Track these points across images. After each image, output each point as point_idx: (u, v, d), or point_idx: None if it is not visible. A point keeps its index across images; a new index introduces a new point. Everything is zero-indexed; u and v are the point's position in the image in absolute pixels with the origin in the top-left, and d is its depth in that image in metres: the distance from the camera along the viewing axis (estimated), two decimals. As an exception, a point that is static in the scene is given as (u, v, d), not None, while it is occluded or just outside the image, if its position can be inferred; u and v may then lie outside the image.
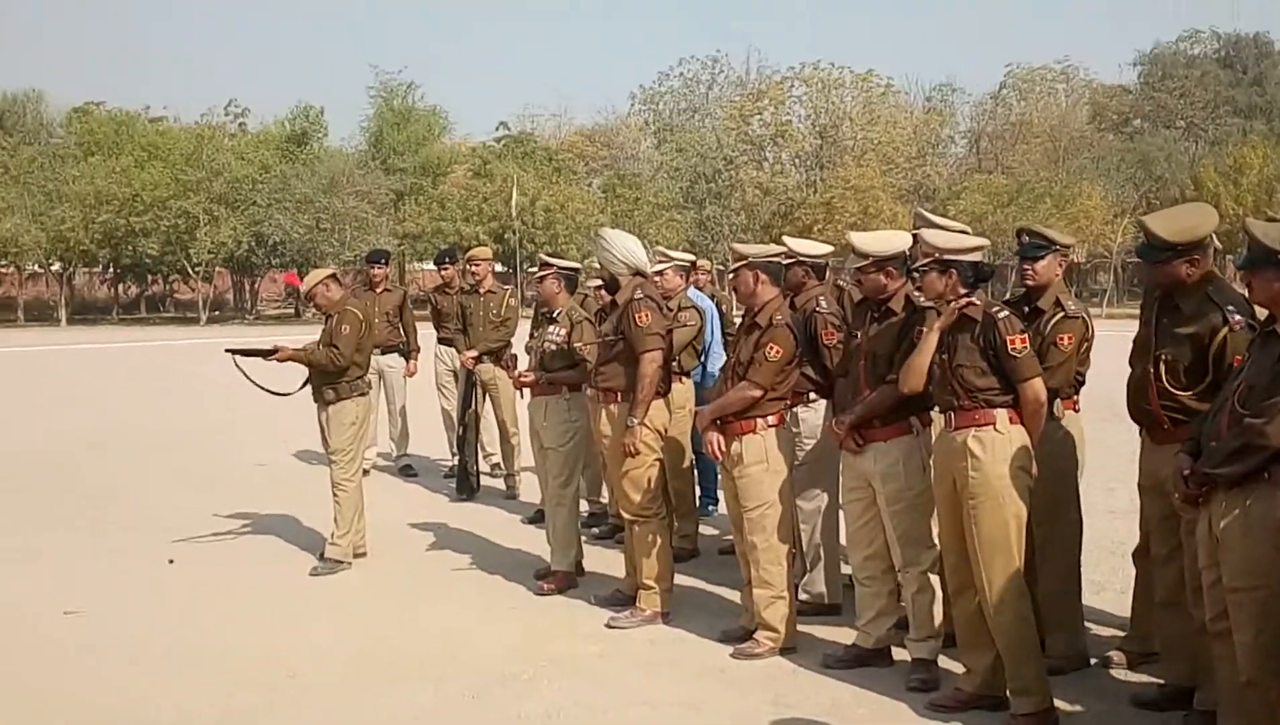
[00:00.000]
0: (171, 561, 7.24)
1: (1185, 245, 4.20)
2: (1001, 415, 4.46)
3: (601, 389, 6.05)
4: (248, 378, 7.27)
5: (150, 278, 50.40)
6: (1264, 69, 50.69)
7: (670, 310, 6.55)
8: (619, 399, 5.92)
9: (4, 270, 49.43)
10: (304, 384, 7.23)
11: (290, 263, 43.61)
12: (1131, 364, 4.48)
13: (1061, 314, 4.93)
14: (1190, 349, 4.19)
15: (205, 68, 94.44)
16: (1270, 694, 3.34)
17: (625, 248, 5.99)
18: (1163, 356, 4.27)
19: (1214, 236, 4.41)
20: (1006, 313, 4.54)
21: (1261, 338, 3.61)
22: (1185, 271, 4.22)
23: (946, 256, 4.59)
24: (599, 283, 7.23)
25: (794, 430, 5.77)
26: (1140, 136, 48.03)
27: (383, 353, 9.72)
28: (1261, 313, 3.83)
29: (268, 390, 7.33)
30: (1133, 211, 38.16)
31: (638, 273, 5.98)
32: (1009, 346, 4.42)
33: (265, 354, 7.13)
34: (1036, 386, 4.47)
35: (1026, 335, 4.51)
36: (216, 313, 46.60)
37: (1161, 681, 4.73)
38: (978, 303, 4.50)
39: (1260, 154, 41.29)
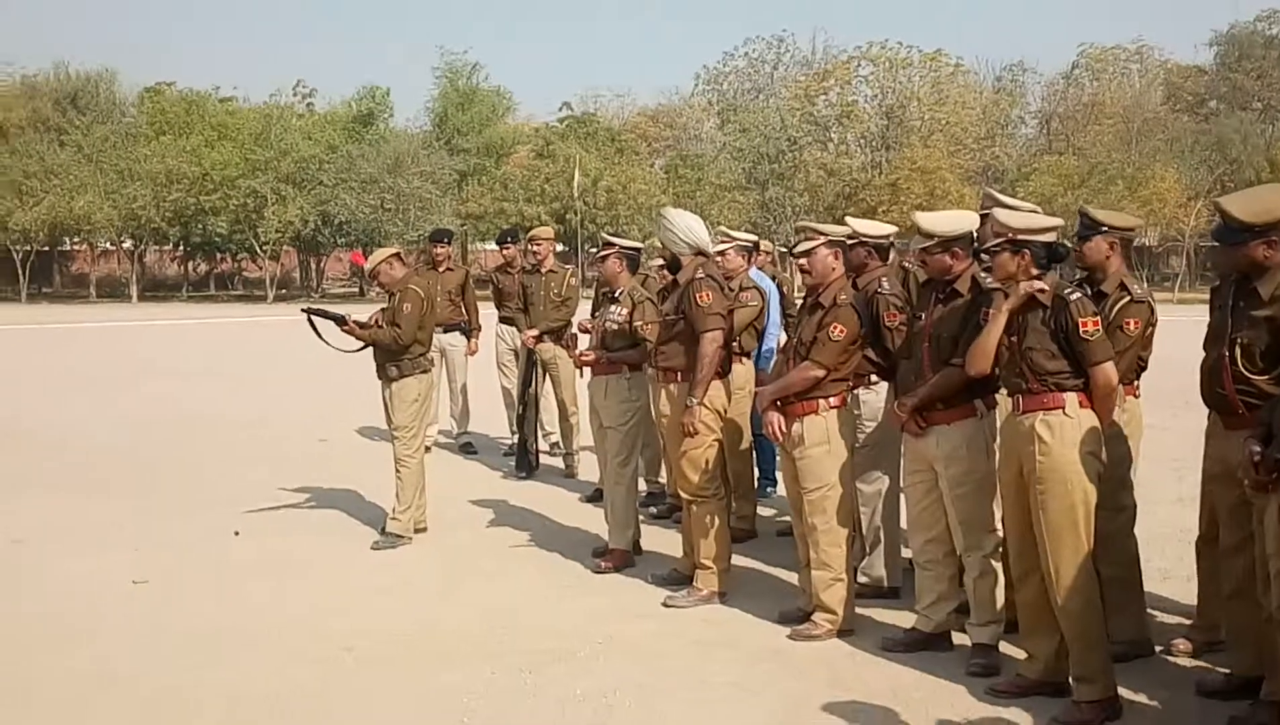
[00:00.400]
0: (237, 533, 7.37)
1: (1263, 226, 4.09)
2: (1071, 399, 4.38)
3: (661, 368, 6.04)
4: (319, 336, 7.34)
5: (219, 256, 51.31)
6: (1345, 48, 49.20)
7: (732, 290, 6.52)
8: (679, 379, 5.91)
9: (77, 247, 50.63)
10: (363, 346, 7.28)
11: (355, 242, 44.15)
12: (1206, 349, 4.37)
13: (1128, 298, 4.84)
14: (1267, 332, 4.08)
15: (273, 48, 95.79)
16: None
17: (687, 227, 5.97)
18: (1239, 340, 4.17)
19: None
20: (1079, 295, 4.44)
21: None
22: (1263, 253, 4.11)
23: (1020, 237, 4.51)
24: (661, 262, 7.22)
25: (855, 412, 5.72)
26: (1216, 118, 46.90)
27: (445, 331, 9.80)
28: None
29: (336, 347, 7.40)
30: (1206, 195, 37.30)
31: (700, 252, 5.95)
32: (1081, 329, 4.34)
33: (338, 320, 7.23)
34: (1108, 370, 4.38)
35: (1099, 318, 4.42)
36: (283, 291, 47.29)
37: (1228, 670, 4.63)
38: (1046, 287, 4.41)
39: (1341, 135, 40.17)
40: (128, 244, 47.74)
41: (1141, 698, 4.53)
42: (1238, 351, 4.15)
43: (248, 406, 13.38)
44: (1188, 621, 5.43)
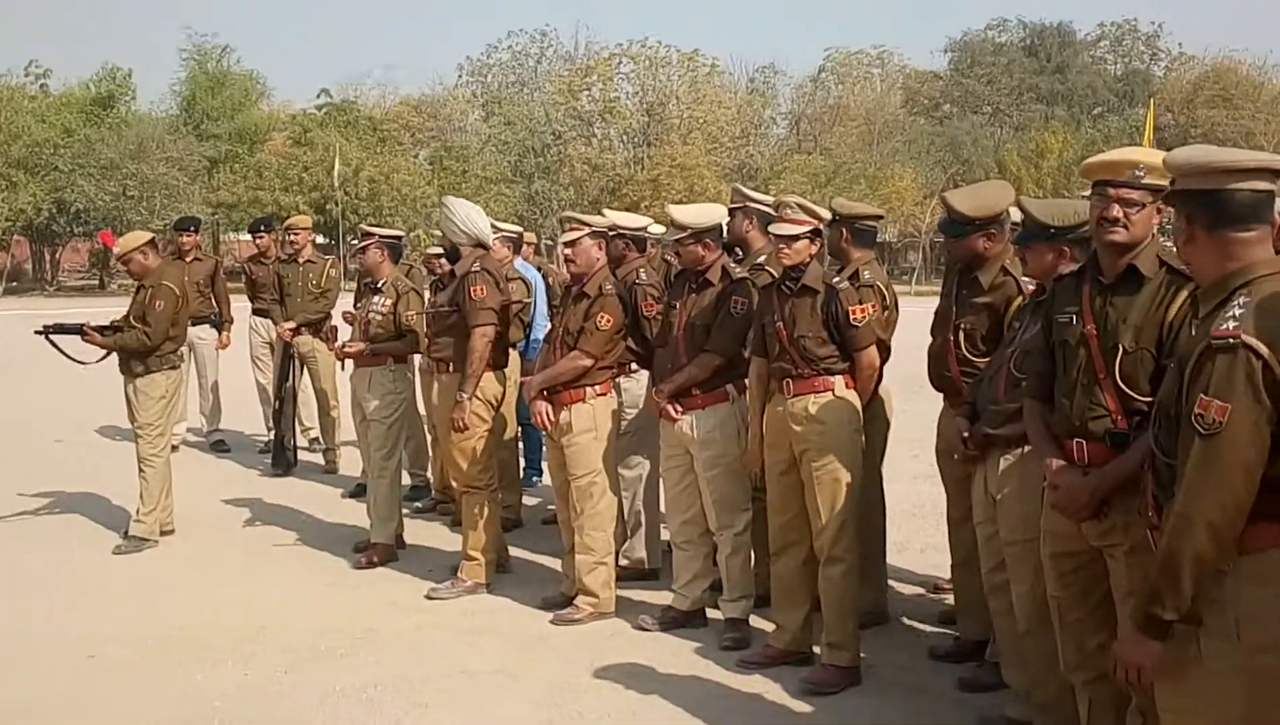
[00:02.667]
0: (-39, 542, 6.85)
1: (983, 220, 4.42)
2: (839, 382, 4.64)
3: (435, 359, 6.01)
4: (59, 350, 6.90)
5: (-60, 245, 47.18)
6: (1066, 57, 53.53)
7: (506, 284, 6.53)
8: (450, 370, 5.89)
9: None
10: (107, 353, 6.91)
11: (96, 231, 41.53)
12: (933, 334, 4.70)
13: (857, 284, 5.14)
14: (987, 317, 4.41)
15: (3, 26, 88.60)
16: (1048, 642, 3.57)
17: (467, 217, 5.92)
18: (962, 326, 4.48)
19: (1010, 212, 4.65)
20: (847, 284, 4.72)
21: (1033, 307, 3.86)
22: (983, 245, 4.43)
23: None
24: (438, 251, 7.16)
25: (618, 399, 5.85)
26: (949, 121, 50.14)
27: (193, 324, 9.33)
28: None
29: (80, 361, 6.98)
30: (940, 193, 39.70)
31: (479, 244, 5.93)
32: (851, 316, 4.60)
33: (78, 331, 6.81)
34: (872, 354, 4.70)
35: (865, 306, 4.69)
36: (14, 283, 43.86)
37: (957, 635, 5.00)
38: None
39: (1060, 139, 43.61)
40: None
41: (880, 662, 4.84)
42: (961, 336, 4.48)
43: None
44: (922, 590, 5.84)
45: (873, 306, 4.82)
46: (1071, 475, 3.22)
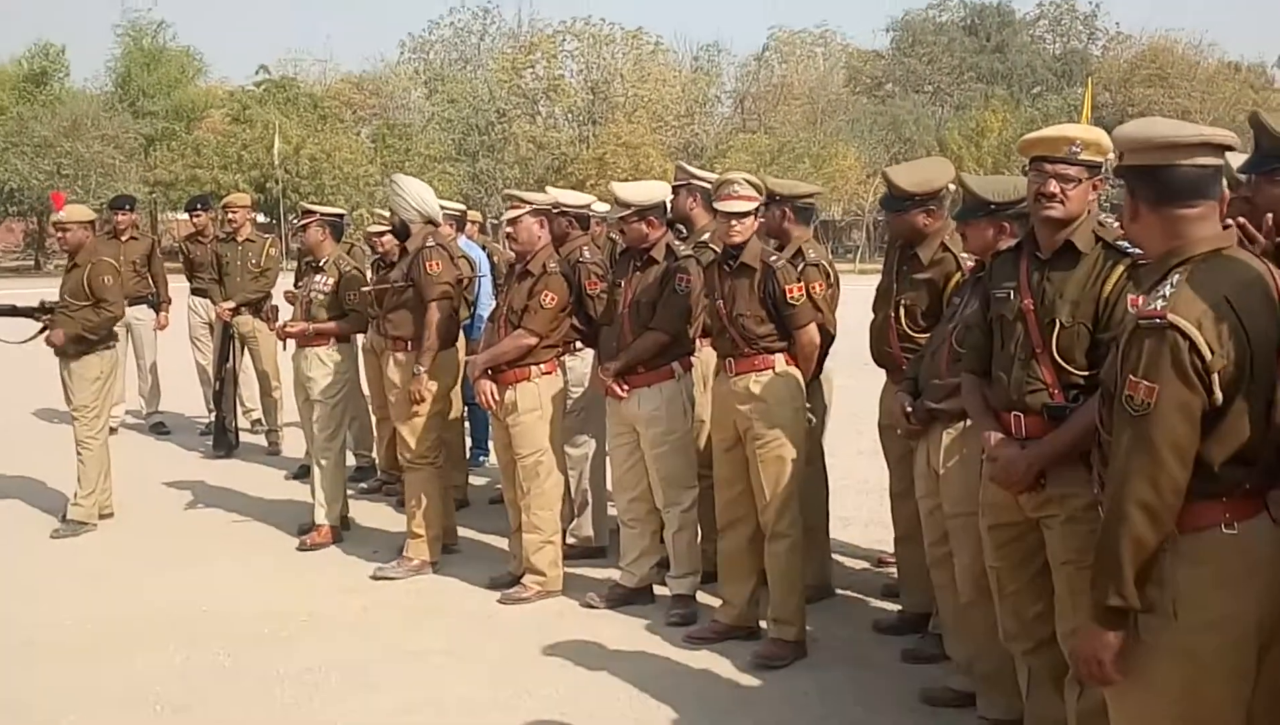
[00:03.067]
0: (-109, 529, 6.70)
1: (923, 195, 4.45)
2: (779, 359, 4.66)
3: (390, 337, 5.97)
4: None
5: None
6: (1005, 37, 54.06)
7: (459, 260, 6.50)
8: (407, 347, 5.86)
9: None
10: (40, 332, 6.78)
11: (29, 211, 40.61)
12: (875, 310, 4.73)
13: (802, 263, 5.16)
14: (927, 293, 4.45)
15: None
16: (989, 614, 3.63)
17: (418, 195, 5.95)
18: (902, 301, 4.52)
19: (950, 189, 4.69)
20: (784, 262, 4.72)
21: (973, 282, 3.90)
22: (923, 221, 4.46)
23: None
24: (381, 229, 7.11)
25: (563, 378, 5.83)
26: (892, 100, 50.48)
27: (130, 304, 9.17)
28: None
29: (7, 341, 6.85)
30: (882, 170, 39.96)
31: (429, 221, 5.91)
32: (788, 295, 4.61)
33: (29, 313, 6.70)
34: (811, 331, 4.71)
35: (802, 284, 4.70)
36: (-56, 264, 42.90)
37: (900, 608, 5.06)
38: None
39: (1000, 118, 44.08)
40: None
41: (826, 636, 4.89)
42: (901, 312, 4.51)
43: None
44: (866, 564, 5.90)
45: (819, 285, 4.86)
46: (1009, 448, 3.26)
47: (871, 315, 4.74)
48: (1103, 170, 3.30)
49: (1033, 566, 3.40)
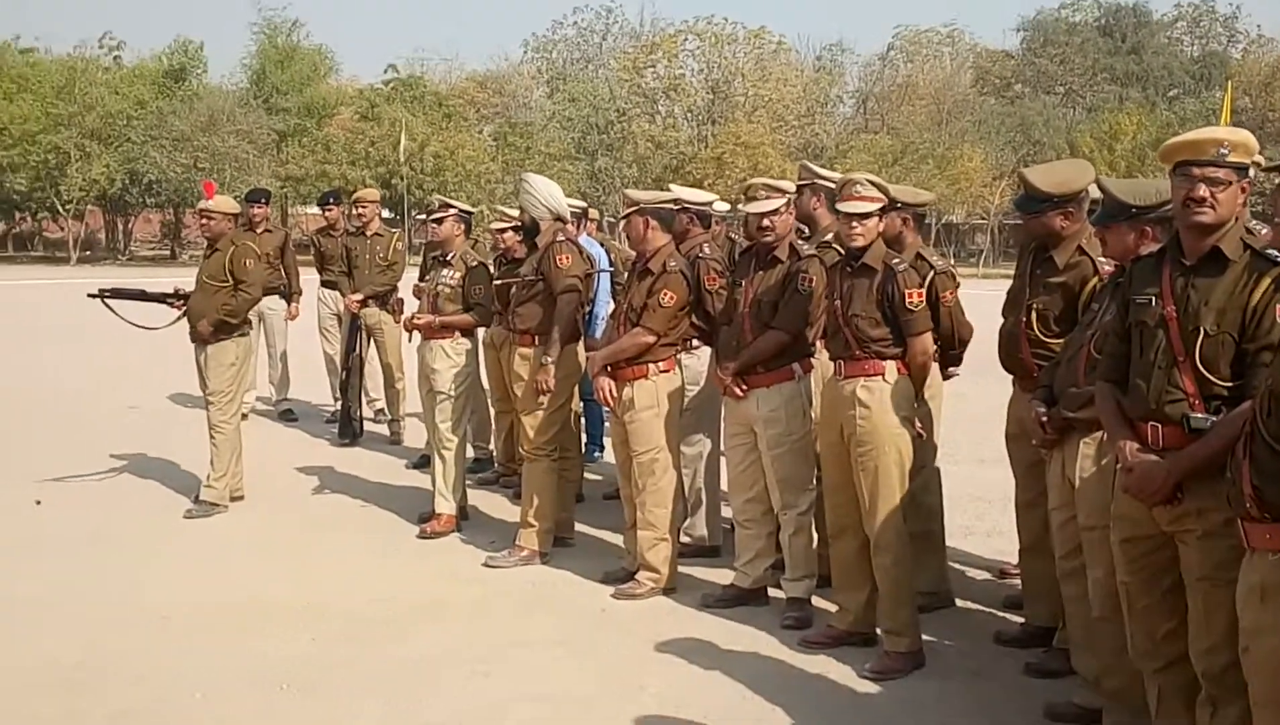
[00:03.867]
0: (39, 502, 7.02)
1: (1060, 197, 4.33)
2: (890, 366, 4.57)
3: (518, 331, 6.06)
4: (115, 313, 7.08)
5: (18, 215, 48.25)
6: (1141, 38, 52.28)
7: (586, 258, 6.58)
8: (534, 341, 5.94)
9: None
10: (177, 319, 7.05)
11: (166, 202, 42.18)
12: (1004, 315, 4.62)
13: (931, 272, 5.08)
14: (1061, 298, 4.33)
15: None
16: (1120, 630, 3.51)
17: (548, 192, 6.08)
18: (1034, 306, 4.40)
19: (1089, 191, 4.55)
20: (906, 266, 4.63)
21: (1113, 287, 3.77)
22: (1060, 223, 4.33)
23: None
24: (502, 226, 7.23)
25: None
26: (1021, 101, 49.24)
27: (264, 294, 9.48)
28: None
29: (141, 326, 7.14)
30: (1010, 174, 39.11)
31: (558, 217, 6.02)
32: (907, 300, 4.52)
33: (137, 296, 6.99)
34: (926, 341, 4.60)
35: (924, 290, 4.61)
36: (88, 252, 44.79)
37: (1023, 620, 4.94)
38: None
39: (1135, 121, 42.63)
40: (-86, 200, 44.40)
41: (944, 646, 4.80)
42: (1033, 317, 4.39)
43: (52, 372, 12.69)
44: (987, 574, 5.78)
45: (950, 293, 4.79)
46: (1147, 458, 3.16)
47: (995, 320, 4.63)
48: (1249, 173, 3.17)
49: (1166, 582, 3.28)
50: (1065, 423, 3.85)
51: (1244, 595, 2.74)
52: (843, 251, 4.89)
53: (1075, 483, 3.85)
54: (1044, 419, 3.91)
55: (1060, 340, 4.22)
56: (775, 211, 4.93)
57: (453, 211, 6.85)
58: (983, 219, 44.68)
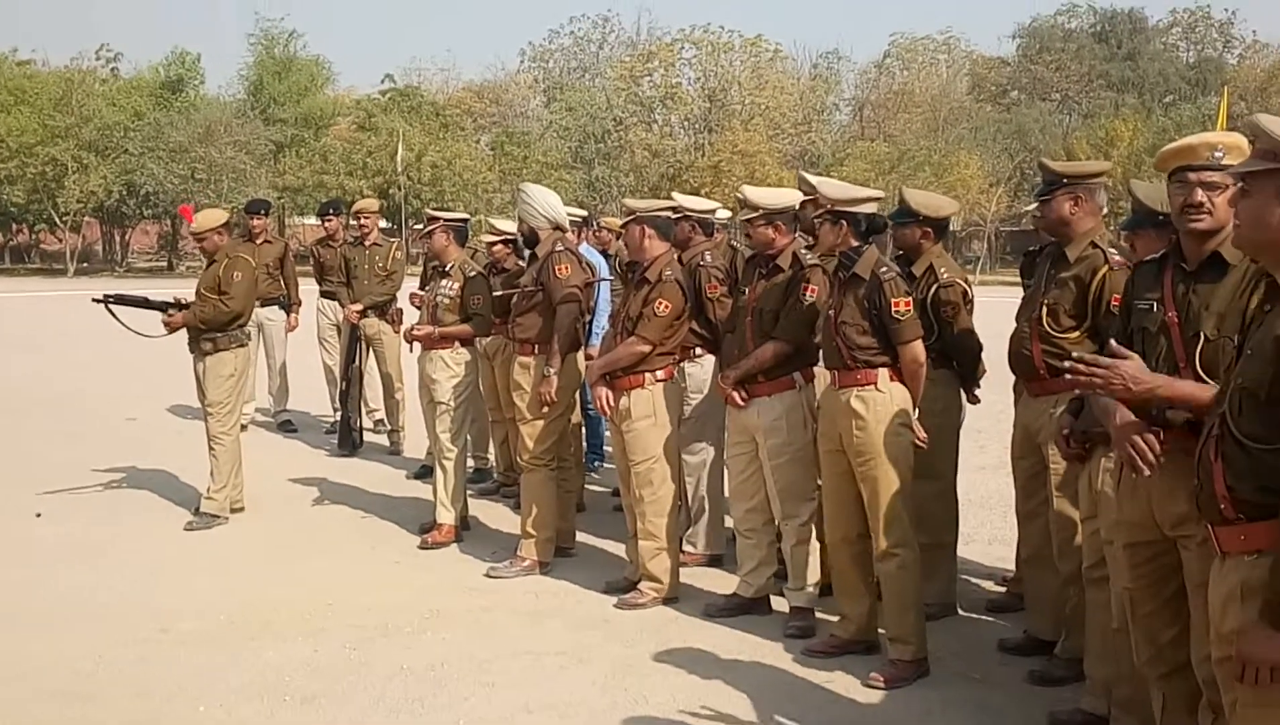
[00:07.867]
0: (39, 515, 7.02)
1: (1073, 177, 4.33)
2: (882, 375, 4.56)
3: (518, 340, 6.06)
4: (118, 320, 7.07)
5: (15, 227, 48.26)
6: (1137, 44, 52.41)
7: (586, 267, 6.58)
8: (534, 351, 5.94)
9: None
10: (179, 328, 7.05)
11: (164, 214, 42.18)
12: (1018, 320, 4.56)
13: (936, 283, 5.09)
14: (1073, 288, 4.30)
15: (76, 10, 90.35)
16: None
17: (546, 202, 6.09)
18: (1045, 301, 4.37)
19: (1103, 180, 4.52)
20: (893, 275, 4.62)
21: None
22: (1070, 208, 4.29)
23: (838, 208, 4.68)
24: (493, 239, 7.24)
25: (681, 385, 5.84)
26: (1017, 108, 49.29)
27: (262, 305, 9.48)
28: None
29: (134, 331, 7.14)
30: (1006, 181, 39.16)
31: (557, 227, 6.02)
32: (893, 309, 4.51)
33: (140, 302, 6.97)
34: (916, 348, 4.57)
35: (910, 298, 4.61)
36: (85, 264, 44.80)
37: (1025, 630, 4.93)
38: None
39: (1131, 127, 42.69)
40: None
41: (948, 655, 4.79)
42: (1044, 311, 4.36)
43: (49, 383, 12.68)
44: (990, 583, 5.77)
45: (954, 307, 4.81)
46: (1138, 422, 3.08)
47: (991, 326, 4.62)
48: None
49: (1169, 589, 3.27)
50: (1088, 437, 3.76)
51: (1222, 601, 2.69)
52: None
53: (1099, 494, 3.83)
54: (1066, 433, 3.85)
55: (1071, 335, 4.22)
56: (754, 221, 4.93)
57: (439, 223, 6.84)
58: (979, 226, 44.70)
